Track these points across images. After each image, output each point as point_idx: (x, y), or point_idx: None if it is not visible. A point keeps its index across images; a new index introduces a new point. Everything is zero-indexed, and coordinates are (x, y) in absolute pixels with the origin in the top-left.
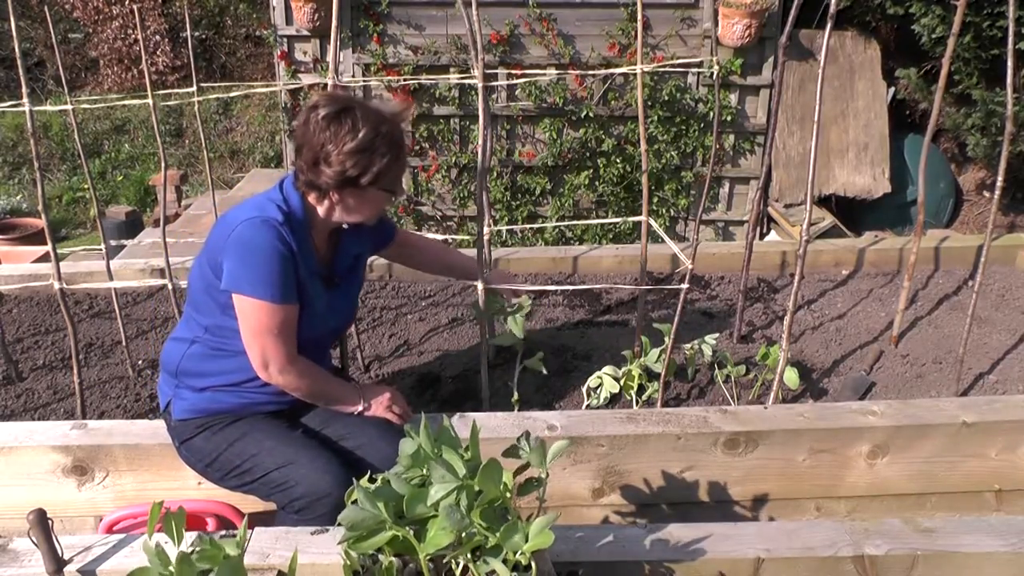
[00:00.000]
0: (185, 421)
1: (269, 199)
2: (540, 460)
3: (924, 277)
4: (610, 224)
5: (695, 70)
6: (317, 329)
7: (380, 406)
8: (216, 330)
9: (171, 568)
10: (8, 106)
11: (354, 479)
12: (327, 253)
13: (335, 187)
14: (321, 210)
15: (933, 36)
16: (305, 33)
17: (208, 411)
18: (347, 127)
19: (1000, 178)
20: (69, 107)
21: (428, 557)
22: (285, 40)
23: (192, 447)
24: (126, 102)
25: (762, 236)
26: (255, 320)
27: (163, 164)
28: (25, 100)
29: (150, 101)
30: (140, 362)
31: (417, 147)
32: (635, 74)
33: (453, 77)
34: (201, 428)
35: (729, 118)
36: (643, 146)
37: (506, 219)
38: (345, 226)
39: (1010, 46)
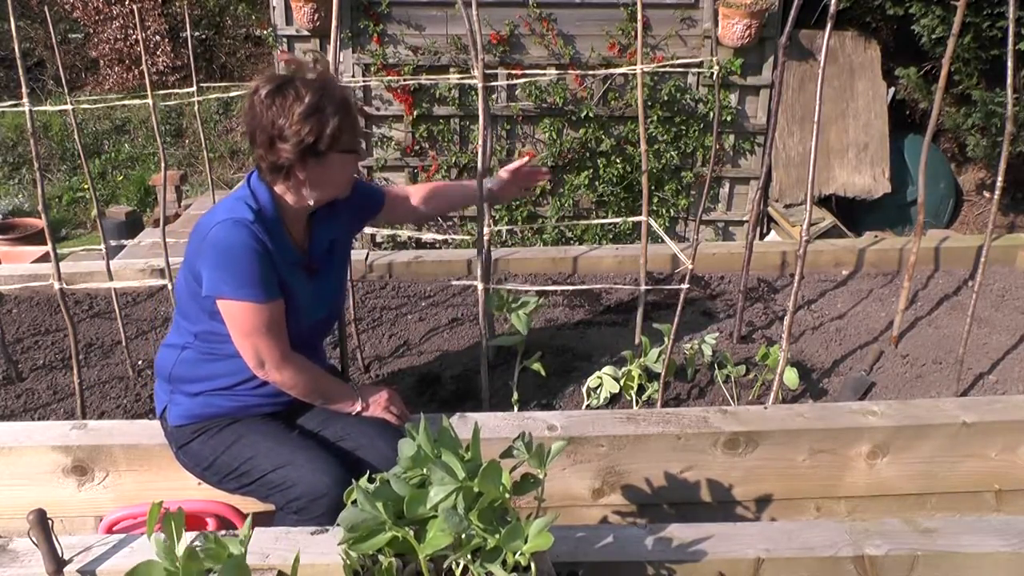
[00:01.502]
0: (181, 427)
1: (238, 198)
2: (538, 461)
3: (924, 277)
4: (610, 224)
5: (695, 70)
6: (306, 320)
7: (378, 406)
8: (205, 336)
9: (177, 563)
10: (8, 106)
11: (353, 479)
12: (305, 241)
13: (297, 160)
14: (291, 196)
15: (933, 37)
16: (305, 33)
17: (204, 415)
18: (291, 97)
19: (1000, 178)
20: (69, 107)
21: (428, 558)
22: (285, 40)
23: (189, 452)
24: (126, 102)
25: (762, 236)
26: (242, 322)
27: (163, 164)
28: (25, 100)
29: (150, 101)
30: (140, 362)
31: (417, 147)
32: (635, 74)
33: (453, 77)
34: (197, 433)
35: (729, 118)
36: (643, 146)
37: (506, 219)
38: (315, 202)
39: (1010, 46)
